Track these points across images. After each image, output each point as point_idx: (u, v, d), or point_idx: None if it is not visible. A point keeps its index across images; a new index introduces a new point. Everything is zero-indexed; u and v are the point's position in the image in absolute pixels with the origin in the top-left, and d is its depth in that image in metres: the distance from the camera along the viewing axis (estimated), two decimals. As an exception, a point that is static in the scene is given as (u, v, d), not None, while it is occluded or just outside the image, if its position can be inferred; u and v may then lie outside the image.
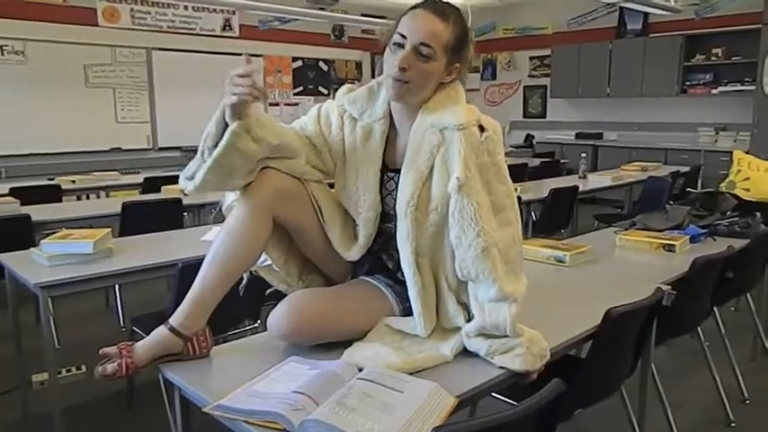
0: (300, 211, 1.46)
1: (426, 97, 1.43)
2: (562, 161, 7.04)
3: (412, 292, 1.41)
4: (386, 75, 1.41)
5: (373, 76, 1.57)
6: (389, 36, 1.40)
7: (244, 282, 1.54)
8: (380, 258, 1.55)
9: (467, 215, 1.34)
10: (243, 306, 2.33)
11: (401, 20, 1.40)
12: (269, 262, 1.53)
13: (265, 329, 1.43)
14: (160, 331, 1.34)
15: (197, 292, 1.36)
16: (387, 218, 1.51)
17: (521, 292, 1.38)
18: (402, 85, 1.38)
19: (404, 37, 1.37)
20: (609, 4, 6.33)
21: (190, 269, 1.40)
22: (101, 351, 1.32)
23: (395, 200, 1.44)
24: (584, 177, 5.13)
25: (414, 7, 1.40)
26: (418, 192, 1.39)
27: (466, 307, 1.42)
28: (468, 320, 1.40)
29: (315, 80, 8.88)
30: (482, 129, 1.39)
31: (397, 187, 1.45)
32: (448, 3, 1.41)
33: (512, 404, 1.13)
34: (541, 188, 4.40)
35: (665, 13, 6.28)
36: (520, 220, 1.46)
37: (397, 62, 1.36)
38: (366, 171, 1.49)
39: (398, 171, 1.45)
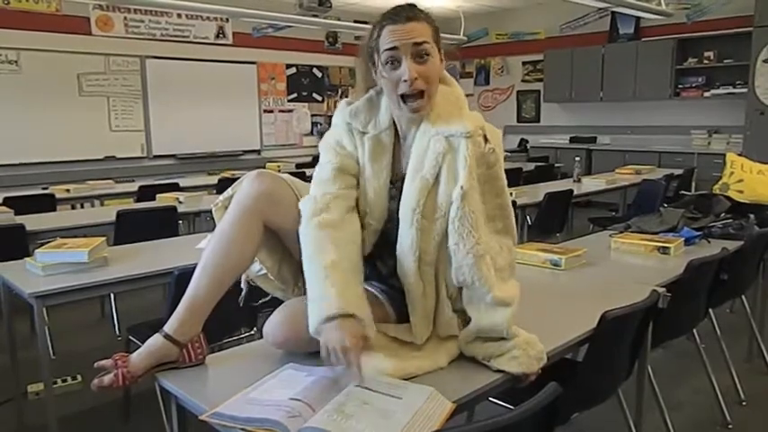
0: (290, 214, 1.45)
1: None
2: (556, 165, 7.07)
3: (410, 300, 1.41)
4: (396, 96, 1.39)
5: None
6: (369, 55, 1.41)
7: (243, 293, 1.55)
8: (375, 265, 1.54)
9: (467, 223, 1.34)
10: (239, 314, 2.32)
11: (381, 37, 1.38)
12: (264, 270, 1.53)
13: (262, 337, 1.42)
14: (155, 339, 1.34)
15: (190, 299, 1.36)
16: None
17: (514, 295, 1.38)
18: (422, 97, 1.38)
19: (395, 49, 1.36)
20: (601, 8, 6.37)
21: (185, 277, 1.39)
22: (96, 364, 1.32)
23: (397, 205, 1.43)
24: (579, 181, 5.14)
25: (387, 23, 1.38)
26: (423, 200, 1.38)
27: (461, 315, 1.42)
28: (464, 328, 1.40)
29: (309, 87, 8.89)
30: (485, 140, 1.40)
31: (400, 194, 1.43)
32: (407, 4, 1.40)
33: (509, 408, 1.12)
34: (536, 192, 4.41)
35: (656, 17, 6.32)
36: (515, 233, 1.46)
37: (407, 76, 1.35)
38: (378, 183, 1.46)
39: (400, 178, 1.45)
